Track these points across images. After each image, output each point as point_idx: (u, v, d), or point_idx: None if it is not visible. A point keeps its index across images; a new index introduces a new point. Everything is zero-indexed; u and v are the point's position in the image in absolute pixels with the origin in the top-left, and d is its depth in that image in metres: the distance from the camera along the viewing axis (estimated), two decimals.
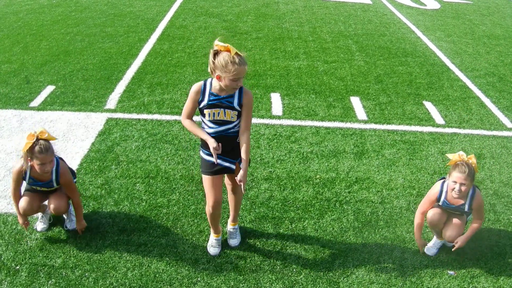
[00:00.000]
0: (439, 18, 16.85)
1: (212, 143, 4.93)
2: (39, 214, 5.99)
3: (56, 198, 5.61)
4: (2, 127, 8.05)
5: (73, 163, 7.26)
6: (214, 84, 4.96)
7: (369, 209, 6.65)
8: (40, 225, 5.94)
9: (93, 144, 7.78)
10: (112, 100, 9.25)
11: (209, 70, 4.92)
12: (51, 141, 5.25)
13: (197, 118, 5.17)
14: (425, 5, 18.52)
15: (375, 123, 8.92)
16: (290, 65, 11.46)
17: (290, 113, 9.11)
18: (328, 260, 5.75)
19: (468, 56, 12.93)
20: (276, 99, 9.67)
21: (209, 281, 5.36)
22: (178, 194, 6.71)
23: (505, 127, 9.12)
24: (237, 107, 4.98)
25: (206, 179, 5.29)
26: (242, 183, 5.04)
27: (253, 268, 5.57)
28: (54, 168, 5.36)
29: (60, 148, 7.50)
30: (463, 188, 5.39)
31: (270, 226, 6.26)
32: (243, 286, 5.33)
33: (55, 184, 5.47)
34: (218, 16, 15.43)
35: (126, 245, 5.81)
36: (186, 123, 5.13)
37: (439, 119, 9.18)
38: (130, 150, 7.65)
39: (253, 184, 7.05)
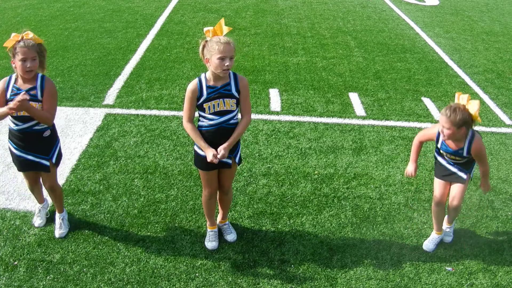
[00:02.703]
0: (438, 14, 16.84)
1: (210, 156, 4.99)
2: (37, 209, 5.97)
3: (50, 175, 5.55)
4: (0, 123, 8.03)
5: (72, 158, 7.27)
6: (208, 77, 5.00)
7: (367, 205, 6.65)
8: (37, 221, 5.93)
9: (91, 139, 7.78)
10: (111, 96, 9.25)
11: (200, 55, 5.02)
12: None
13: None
14: (424, 1, 18.51)
15: (374, 119, 8.92)
16: (288, 61, 11.46)
17: (288, 109, 9.11)
18: (326, 256, 5.75)
19: (466, 53, 12.93)
20: (274, 94, 9.67)
21: (207, 277, 5.36)
22: (176, 189, 6.71)
23: (504, 124, 9.12)
24: (236, 94, 5.04)
25: (202, 173, 5.41)
26: (220, 153, 5.02)
27: (251, 264, 5.57)
28: (39, 76, 5.12)
29: None
30: (445, 131, 5.24)
31: (268, 222, 6.26)
32: (241, 282, 5.33)
33: (39, 93, 5.06)
34: (217, 11, 15.42)
35: (124, 240, 5.81)
36: (188, 127, 5.12)
37: (437, 116, 9.17)
38: (128, 146, 7.65)
39: (251, 179, 7.06)
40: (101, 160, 7.29)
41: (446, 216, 6.13)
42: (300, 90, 9.93)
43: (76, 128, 8.05)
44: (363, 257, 5.79)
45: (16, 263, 5.39)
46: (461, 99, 5.30)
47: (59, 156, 5.58)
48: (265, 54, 11.88)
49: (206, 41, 4.95)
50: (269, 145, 7.90)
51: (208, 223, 5.89)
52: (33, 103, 5.00)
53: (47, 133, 5.25)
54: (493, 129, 8.85)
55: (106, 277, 5.29)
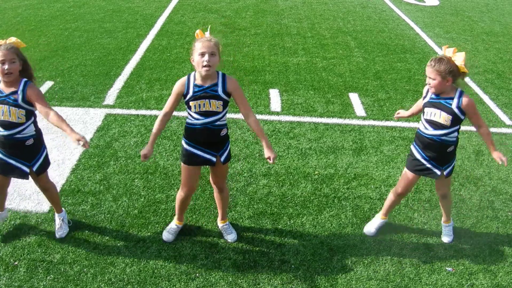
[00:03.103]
0: (438, 14, 16.84)
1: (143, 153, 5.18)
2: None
3: (38, 178, 5.49)
4: None
5: (72, 158, 7.27)
6: (197, 76, 5.03)
7: (368, 205, 6.65)
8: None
9: (91, 139, 7.78)
10: (111, 96, 9.25)
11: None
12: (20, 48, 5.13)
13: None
14: (424, 2, 18.51)
15: (374, 119, 8.92)
16: (288, 61, 11.46)
17: (288, 109, 9.11)
18: (326, 256, 5.75)
19: (467, 53, 12.91)
20: (274, 95, 9.67)
21: (207, 277, 5.36)
22: (176, 190, 6.69)
23: (504, 124, 9.12)
24: (223, 95, 5.05)
25: (184, 168, 5.43)
26: (271, 158, 5.14)
27: (251, 264, 5.57)
28: (23, 81, 5.05)
29: (58, 144, 7.51)
30: (432, 82, 5.25)
31: (268, 222, 6.26)
32: (241, 282, 5.33)
33: (20, 98, 4.98)
34: (217, 12, 15.42)
35: (125, 240, 5.82)
36: (158, 118, 5.28)
37: None
38: (128, 146, 7.65)
39: (252, 180, 7.06)
40: (101, 160, 7.30)
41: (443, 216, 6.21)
42: (300, 91, 9.93)
43: (76, 128, 8.00)
44: (364, 257, 5.79)
45: (16, 263, 5.39)
46: (447, 51, 5.34)
47: (44, 164, 5.44)
48: (265, 54, 11.88)
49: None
50: None
51: (176, 216, 5.94)
52: (12, 108, 4.97)
53: (29, 141, 5.17)
54: (493, 130, 8.84)
55: (106, 277, 5.29)
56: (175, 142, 7.82)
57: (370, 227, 6.15)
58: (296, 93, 9.82)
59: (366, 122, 8.79)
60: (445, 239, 6.13)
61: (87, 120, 8.34)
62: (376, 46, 13.05)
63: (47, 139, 7.49)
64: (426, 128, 5.44)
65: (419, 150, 5.57)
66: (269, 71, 10.84)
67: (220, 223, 6.06)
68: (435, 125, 5.36)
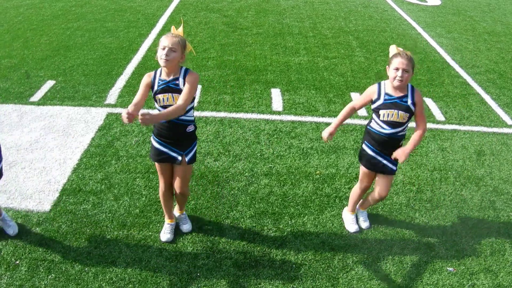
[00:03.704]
0: (440, 14, 16.82)
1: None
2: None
3: None
4: (2, 121, 8.04)
5: (73, 158, 7.27)
6: (163, 71, 5.15)
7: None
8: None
9: (93, 139, 7.78)
10: (112, 95, 9.25)
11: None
12: None
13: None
14: (426, 1, 18.49)
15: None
16: (290, 61, 11.45)
17: (290, 109, 9.11)
18: (327, 256, 5.76)
19: (468, 53, 12.92)
20: (276, 94, 9.67)
21: (208, 277, 5.36)
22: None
23: (505, 124, 9.12)
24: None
25: (156, 165, 5.54)
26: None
27: (253, 264, 5.58)
28: None
29: (60, 143, 7.51)
30: (405, 75, 5.15)
31: (269, 222, 6.26)
32: (242, 282, 5.34)
33: None
34: (219, 11, 15.41)
35: (126, 240, 5.82)
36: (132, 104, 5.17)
37: (439, 116, 9.17)
38: (130, 145, 7.66)
39: (253, 179, 7.06)
40: (102, 159, 7.30)
41: (361, 201, 6.31)
42: (302, 90, 9.93)
43: (77, 128, 8.05)
44: (365, 257, 5.79)
45: (17, 262, 5.40)
46: (392, 48, 5.37)
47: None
48: (267, 53, 11.87)
49: None
50: (271, 145, 7.90)
51: (166, 216, 6.00)
52: None
53: None
54: (495, 130, 8.84)
55: (107, 277, 5.29)
56: None
57: (352, 226, 6.24)
58: (298, 92, 9.82)
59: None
60: (363, 224, 6.30)
61: (88, 119, 8.35)
62: (378, 45, 13.04)
63: (48, 138, 7.53)
64: (383, 128, 5.45)
65: (372, 147, 5.61)
66: (270, 70, 10.84)
67: (177, 213, 6.14)
68: (392, 124, 5.39)
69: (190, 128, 5.29)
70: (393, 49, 5.37)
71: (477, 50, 13.25)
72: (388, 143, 5.48)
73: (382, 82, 5.43)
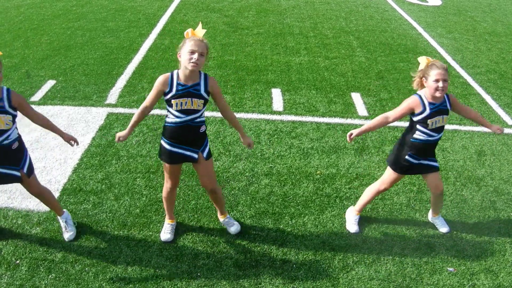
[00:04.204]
0: (441, 14, 16.82)
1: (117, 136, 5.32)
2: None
3: (29, 182, 5.42)
4: None
5: (74, 157, 7.27)
6: (180, 75, 5.11)
7: (369, 205, 6.64)
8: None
9: (93, 138, 7.79)
10: (113, 95, 9.25)
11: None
12: None
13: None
14: (427, 2, 18.49)
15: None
16: (291, 61, 11.46)
17: (291, 109, 9.11)
18: (328, 256, 5.76)
19: (469, 53, 12.92)
20: (277, 94, 9.67)
21: (209, 276, 5.36)
22: (178, 189, 6.70)
23: (506, 124, 9.11)
24: (204, 95, 5.15)
25: (166, 166, 5.52)
26: (250, 146, 5.61)
27: (253, 264, 5.58)
28: (5, 89, 4.98)
29: (60, 143, 7.50)
30: (445, 84, 5.34)
31: (270, 222, 6.26)
32: (242, 282, 5.34)
33: (6, 105, 4.94)
34: (219, 11, 15.41)
35: (126, 240, 5.82)
36: (137, 111, 5.35)
37: None
38: (130, 145, 7.66)
39: (254, 179, 7.06)
40: (103, 159, 7.30)
41: (431, 210, 6.38)
42: (303, 90, 9.93)
43: (78, 127, 8.05)
44: (365, 257, 5.79)
45: (18, 262, 5.40)
46: (423, 60, 5.54)
47: (31, 164, 5.40)
48: (268, 53, 11.88)
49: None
50: (271, 145, 7.90)
51: (166, 216, 6.02)
52: (0, 116, 4.94)
53: (15, 145, 5.15)
54: None
55: (108, 277, 5.29)
56: None
57: (355, 226, 6.26)
58: (298, 92, 9.82)
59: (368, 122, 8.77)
60: (444, 229, 6.27)
61: (89, 119, 8.35)
62: (379, 45, 13.04)
63: (49, 138, 7.53)
64: (431, 136, 5.56)
65: (417, 156, 5.72)
66: (271, 70, 10.84)
67: (221, 218, 6.11)
68: (439, 129, 5.57)
69: (203, 128, 5.34)
70: (423, 60, 5.52)
71: (477, 50, 13.25)
72: (432, 147, 5.74)
73: (422, 94, 5.52)
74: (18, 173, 5.24)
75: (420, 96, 5.50)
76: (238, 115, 8.55)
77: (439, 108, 5.46)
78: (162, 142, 5.41)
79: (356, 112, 9.15)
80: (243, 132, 5.63)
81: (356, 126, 8.59)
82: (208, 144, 5.50)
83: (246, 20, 14.60)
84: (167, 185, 5.69)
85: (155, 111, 8.67)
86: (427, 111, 5.44)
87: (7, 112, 4.97)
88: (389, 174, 5.93)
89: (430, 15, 16.56)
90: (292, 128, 8.43)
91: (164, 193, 5.79)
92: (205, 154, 5.43)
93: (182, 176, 6.98)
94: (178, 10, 15.30)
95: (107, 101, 9.01)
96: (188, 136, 5.27)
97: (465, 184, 7.25)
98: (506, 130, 8.88)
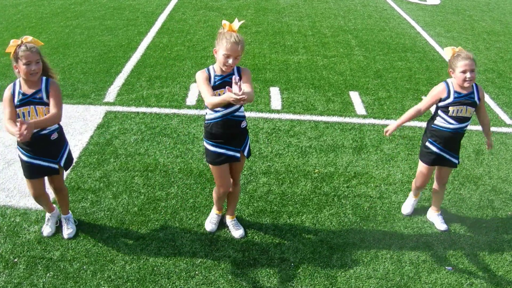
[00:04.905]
0: (439, 13, 16.83)
1: (232, 95, 4.57)
2: (46, 217, 5.89)
3: (56, 178, 5.51)
4: (0, 119, 8.03)
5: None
6: (216, 67, 5.14)
7: (367, 204, 6.65)
8: (46, 229, 5.84)
9: (91, 137, 7.78)
10: (111, 93, 9.25)
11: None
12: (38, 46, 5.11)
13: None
14: (425, 1, 18.50)
15: (374, 118, 8.92)
16: (289, 60, 11.46)
17: (289, 107, 9.11)
18: (326, 255, 5.76)
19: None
20: (275, 93, 9.67)
21: (207, 275, 5.36)
22: (176, 187, 6.71)
23: (504, 123, 9.12)
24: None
25: (214, 168, 5.48)
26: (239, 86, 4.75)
27: (251, 262, 5.58)
28: (44, 79, 5.11)
29: None
30: (473, 74, 5.47)
31: (268, 220, 6.26)
32: (240, 280, 5.34)
33: (44, 95, 5.06)
34: (218, 9, 15.41)
35: (124, 238, 5.82)
36: (212, 99, 4.94)
37: None
38: (128, 143, 7.65)
39: (252, 178, 7.06)
40: (101, 157, 7.30)
41: (432, 206, 6.48)
42: (301, 89, 9.93)
43: (76, 126, 8.05)
44: (363, 256, 5.79)
45: (16, 260, 5.40)
46: (448, 50, 5.76)
47: (69, 159, 5.51)
48: (266, 52, 11.88)
49: (221, 32, 5.11)
50: (270, 144, 7.90)
51: (215, 207, 6.05)
52: (40, 107, 5.01)
53: (54, 135, 5.20)
54: (494, 129, 8.83)
55: (106, 275, 5.29)
56: (175, 139, 7.81)
57: (409, 208, 6.51)
58: (297, 91, 9.81)
59: (367, 121, 8.79)
60: (442, 227, 6.29)
61: (87, 117, 8.34)
62: (377, 44, 13.04)
63: None
64: (450, 123, 5.65)
65: (437, 144, 5.80)
66: (269, 69, 10.84)
67: (228, 219, 6.10)
68: (460, 119, 5.63)
69: (244, 123, 5.35)
70: (448, 51, 5.70)
71: (476, 49, 13.26)
72: (453, 139, 5.77)
73: (450, 82, 5.66)
74: (55, 166, 5.31)
75: (447, 84, 5.64)
76: None
77: (465, 99, 5.55)
78: (205, 144, 5.42)
79: (354, 110, 9.16)
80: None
81: (354, 125, 8.60)
82: (249, 141, 5.54)
83: (245, 19, 14.57)
84: (220, 189, 5.66)
85: (153, 109, 8.67)
86: (451, 98, 5.56)
87: (45, 104, 5.06)
88: (419, 167, 6.07)
89: (429, 14, 16.57)
90: (290, 127, 8.43)
91: (216, 193, 5.79)
92: (246, 152, 5.48)
93: (180, 175, 6.98)
94: (176, 8, 15.29)
95: (105, 100, 9.00)
96: (229, 132, 5.26)
97: (463, 183, 7.26)
98: (504, 129, 8.89)
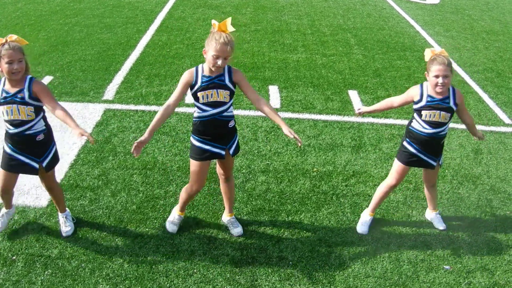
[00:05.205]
0: (438, 12, 16.83)
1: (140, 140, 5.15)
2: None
3: (46, 176, 5.49)
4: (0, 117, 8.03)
5: (71, 153, 7.27)
6: (205, 67, 5.13)
7: (366, 202, 6.64)
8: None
9: (90, 135, 7.76)
10: (110, 91, 9.25)
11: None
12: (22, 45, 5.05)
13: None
14: (425, 0, 18.49)
15: (373, 117, 8.92)
16: (288, 58, 11.46)
17: (288, 106, 9.11)
18: (324, 253, 5.76)
19: (466, 52, 12.93)
20: (274, 91, 9.67)
21: (205, 273, 5.36)
22: (175, 185, 6.71)
23: (503, 123, 9.13)
24: (229, 85, 5.17)
25: (194, 164, 5.48)
26: (294, 136, 5.25)
27: (249, 261, 5.58)
28: (28, 77, 5.05)
29: (57, 139, 7.46)
30: (446, 80, 5.32)
31: (266, 219, 6.26)
32: (239, 278, 5.34)
33: (26, 95, 5.00)
34: (217, 8, 15.40)
35: (123, 236, 5.82)
36: (162, 107, 5.23)
37: None
38: (127, 141, 7.65)
39: (250, 176, 7.06)
40: (100, 155, 7.29)
41: (429, 205, 6.45)
42: (300, 87, 9.93)
43: None
44: (361, 255, 5.79)
45: (14, 258, 5.39)
46: (428, 52, 5.54)
47: (53, 160, 5.46)
48: (265, 50, 11.88)
49: (211, 32, 5.08)
50: (268, 142, 7.90)
51: (179, 207, 6.00)
52: (22, 107, 5.00)
53: (40, 137, 5.19)
54: (492, 128, 8.85)
55: (104, 273, 5.29)
56: (174, 137, 7.81)
57: (364, 227, 6.22)
58: (296, 89, 9.82)
59: (365, 120, 8.79)
60: (441, 226, 6.29)
61: (86, 115, 8.34)
62: (376, 43, 13.05)
63: None
64: (425, 128, 5.59)
65: (414, 145, 5.74)
66: (268, 67, 10.84)
67: (226, 217, 6.10)
68: (435, 124, 5.55)
69: (232, 123, 5.38)
70: (428, 53, 5.55)
71: (475, 48, 13.26)
72: (430, 143, 5.68)
73: (426, 84, 5.57)
74: (36, 165, 5.28)
75: (422, 86, 5.58)
76: (235, 112, 8.54)
77: (438, 103, 5.47)
78: (192, 139, 5.43)
79: (353, 109, 9.15)
80: (284, 122, 5.36)
81: (353, 124, 8.60)
82: (237, 140, 5.54)
83: (244, 17, 14.60)
84: (194, 185, 5.63)
85: (152, 107, 8.67)
86: (423, 102, 5.50)
87: (27, 104, 5.02)
88: (394, 165, 5.98)
89: (428, 13, 16.57)
90: (289, 125, 8.40)
91: (187, 191, 5.73)
92: (232, 151, 5.46)
93: (178, 173, 6.98)
94: (175, 6, 15.28)
95: (104, 97, 9.00)
96: (217, 131, 5.28)
97: (461, 182, 7.26)
98: (503, 129, 8.90)
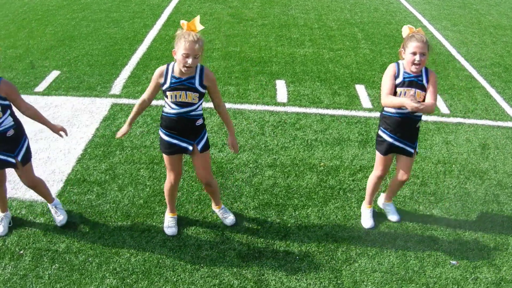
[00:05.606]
0: (446, 7, 16.76)
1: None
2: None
3: (24, 172, 5.44)
4: None
5: (78, 148, 7.28)
6: (176, 68, 5.10)
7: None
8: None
9: (97, 129, 7.79)
10: (117, 86, 9.26)
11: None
12: None
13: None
14: None
15: (380, 111, 8.89)
16: (295, 52, 11.44)
17: (295, 100, 9.10)
18: (331, 248, 5.76)
19: (474, 46, 12.87)
20: (281, 86, 9.66)
21: (212, 267, 5.38)
22: (182, 180, 6.71)
23: (510, 118, 9.09)
24: (199, 88, 5.12)
25: (165, 158, 5.50)
26: (234, 148, 5.53)
27: (256, 255, 5.58)
28: None
29: None
30: (422, 58, 5.20)
31: (273, 213, 6.27)
32: (245, 273, 5.35)
33: None
34: (224, 2, 15.38)
35: (130, 230, 5.84)
36: (137, 102, 5.46)
37: (444, 109, 9.15)
38: (134, 136, 7.66)
39: (257, 171, 7.06)
40: (107, 150, 7.31)
41: (385, 194, 6.40)
42: (307, 82, 9.92)
43: (82, 118, 8.06)
44: (368, 249, 5.79)
45: (21, 252, 5.42)
46: (411, 29, 5.45)
47: (27, 153, 5.39)
48: (272, 45, 11.86)
49: (179, 33, 5.02)
50: (275, 137, 7.90)
51: (168, 209, 6.01)
52: None
53: (10, 132, 5.17)
54: (500, 123, 8.82)
55: (111, 267, 5.31)
56: None
57: (368, 220, 6.21)
58: (303, 84, 9.81)
59: (372, 114, 8.77)
60: (392, 217, 6.29)
61: (93, 109, 8.36)
62: (383, 38, 13.01)
63: None
64: (400, 108, 5.41)
65: (389, 133, 5.64)
66: (275, 62, 10.83)
67: (216, 209, 6.14)
68: None
69: (199, 121, 5.34)
70: (405, 30, 5.43)
71: (482, 43, 13.20)
72: (404, 125, 5.52)
73: (401, 62, 5.45)
74: (13, 160, 5.27)
75: (398, 64, 5.44)
76: (242, 106, 8.58)
77: (413, 80, 5.33)
78: (160, 132, 5.43)
79: (360, 104, 9.14)
80: (233, 130, 5.56)
81: (360, 119, 8.59)
82: (205, 137, 5.47)
83: (251, 11, 14.57)
84: (169, 177, 5.67)
85: (159, 102, 8.66)
86: (400, 78, 5.36)
87: None
88: (376, 156, 5.94)
89: (435, 8, 16.50)
90: (296, 120, 8.42)
91: (166, 186, 5.77)
92: (200, 146, 5.40)
93: (185, 167, 6.99)
94: (182, 1, 15.27)
95: (111, 92, 9.01)
96: (183, 128, 5.28)
97: (468, 177, 7.24)
98: (510, 124, 8.85)
